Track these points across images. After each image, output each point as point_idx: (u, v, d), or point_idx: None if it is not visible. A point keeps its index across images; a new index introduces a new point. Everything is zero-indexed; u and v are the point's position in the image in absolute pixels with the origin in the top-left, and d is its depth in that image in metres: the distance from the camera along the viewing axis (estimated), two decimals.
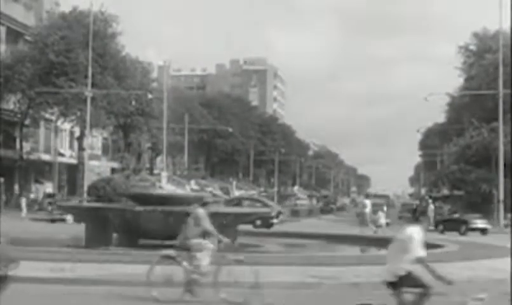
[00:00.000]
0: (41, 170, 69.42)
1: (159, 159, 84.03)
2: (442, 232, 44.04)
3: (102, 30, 59.22)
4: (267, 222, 41.87)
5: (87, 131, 57.78)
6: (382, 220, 41.30)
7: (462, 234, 40.91)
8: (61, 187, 71.01)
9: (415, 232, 9.32)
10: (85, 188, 50.27)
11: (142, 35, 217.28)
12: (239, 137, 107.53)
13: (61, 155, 72.97)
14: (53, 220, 42.26)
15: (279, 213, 50.58)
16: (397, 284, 9.21)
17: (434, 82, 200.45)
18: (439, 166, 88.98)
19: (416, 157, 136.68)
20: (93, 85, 53.96)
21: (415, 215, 10.20)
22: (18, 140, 62.27)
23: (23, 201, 51.90)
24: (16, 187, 61.96)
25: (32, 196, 61.52)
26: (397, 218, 71.12)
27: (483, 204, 53.58)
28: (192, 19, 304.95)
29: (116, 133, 73.85)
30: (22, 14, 64.17)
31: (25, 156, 62.10)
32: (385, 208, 59.52)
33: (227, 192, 75.37)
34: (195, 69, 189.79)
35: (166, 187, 40.07)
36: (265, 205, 49.69)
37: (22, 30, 62.31)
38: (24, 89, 57.33)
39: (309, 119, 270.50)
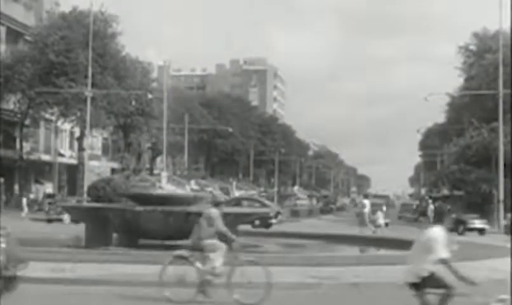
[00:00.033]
0: (41, 170, 69.44)
1: (159, 159, 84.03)
2: None
3: (102, 30, 59.23)
4: (265, 222, 41.95)
5: (87, 131, 57.78)
6: (381, 220, 41.32)
7: (460, 234, 40.91)
8: (61, 188, 71.03)
9: (438, 233, 9.28)
10: (85, 188, 50.25)
11: (142, 35, 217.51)
12: (239, 137, 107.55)
13: (61, 155, 72.99)
14: (49, 220, 42.25)
15: (278, 213, 50.74)
16: (420, 285, 9.20)
17: (434, 82, 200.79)
18: (439, 166, 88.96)
19: (416, 158, 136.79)
20: (93, 85, 53.96)
21: (437, 216, 10.12)
22: (18, 140, 62.28)
23: (24, 201, 51.90)
24: (16, 187, 61.98)
25: (31, 196, 61.52)
26: (397, 219, 71.41)
27: (483, 205, 53.59)
28: (192, 19, 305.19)
29: (116, 133, 73.86)
30: (22, 14, 64.19)
31: (25, 156, 62.11)
32: (384, 208, 59.52)
33: (227, 192, 75.33)
34: (195, 69, 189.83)
35: (166, 187, 40.00)
36: (264, 205, 49.84)
37: (22, 30, 62.32)
38: (24, 89, 57.34)
39: (309, 119, 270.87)
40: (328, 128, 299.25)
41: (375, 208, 42.27)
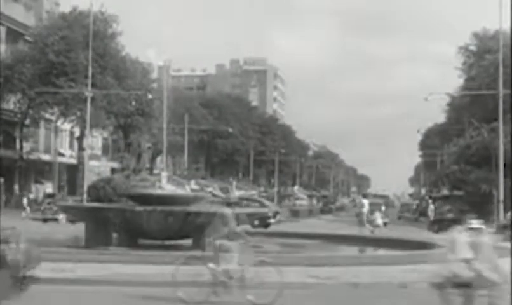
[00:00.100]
0: (41, 170, 69.44)
1: (159, 159, 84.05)
2: (436, 232, 44.08)
3: (102, 30, 59.24)
4: (264, 221, 42.03)
5: (87, 131, 57.77)
6: (379, 220, 41.39)
7: None
8: (61, 187, 71.02)
9: (461, 234, 9.24)
10: (85, 188, 50.26)
11: (142, 35, 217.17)
12: (239, 137, 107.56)
13: (61, 155, 73.00)
14: (45, 220, 42.19)
15: (276, 213, 50.90)
16: (444, 285, 9.17)
17: (434, 82, 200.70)
18: (439, 166, 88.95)
19: (416, 158, 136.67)
20: (93, 85, 53.95)
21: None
22: (18, 140, 62.27)
23: (25, 201, 51.92)
24: (16, 187, 61.98)
25: (31, 196, 61.51)
26: (397, 219, 71.45)
27: (483, 205, 53.54)
28: (192, 19, 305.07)
29: (116, 133, 73.87)
30: (22, 14, 64.20)
31: (25, 156, 62.11)
32: (383, 208, 59.58)
33: (227, 192, 75.35)
34: (195, 69, 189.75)
35: (166, 187, 40.04)
36: (263, 205, 50.09)
37: (22, 30, 62.31)
38: (24, 89, 57.35)
39: (309, 119, 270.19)
40: (328, 128, 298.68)
41: (373, 208, 42.31)
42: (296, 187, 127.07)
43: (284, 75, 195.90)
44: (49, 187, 69.06)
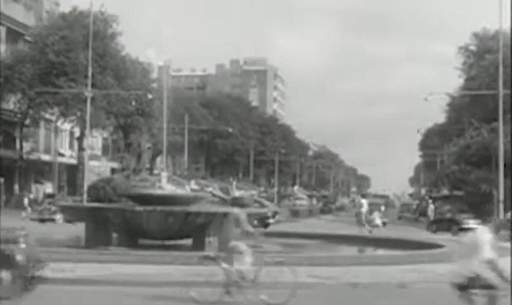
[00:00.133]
0: (41, 170, 69.44)
1: (159, 159, 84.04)
2: (434, 232, 44.12)
3: (102, 30, 59.24)
4: (263, 221, 42.06)
5: (87, 132, 57.77)
6: (378, 220, 41.46)
7: (454, 234, 40.93)
8: (61, 187, 71.02)
9: (485, 234, 9.17)
10: (85, 188, 50.27)
11: (142, 35, 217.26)
12: (239, 137, 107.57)
13: (61, 155, 73.00)
14: (42, 220, 42.16)
15: (275, 213, 50.99)
16: (465, 286, 9.13)
17: (434, 82, 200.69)
18: (439, 166, 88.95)
19: (416, 158, 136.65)
20: (92, 85, 53.95)
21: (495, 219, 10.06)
22: (18, 140, 62.28)
23: (26, 201, 51.90)
24: (16, 187, 61.99)
25: (31, 196, 61.53)
26: (397, 219, 71.47)
27: (483, 205, 53.54)
28: (192, 19, 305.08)
29: (116, 133, 73.88)
30: (22, 14, 64.21)
31: (25, 156, 62.11)
32: (382, 208, 59.61)
33: (227, 192, 75.31)
34: (195, 69, 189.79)
35: (166, 187, 40.03)
36: (262, 205, 50.21)
37: (22, 30, 62.32)
38: (24, 89, 57.36)
39: (309, 119, 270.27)
40: (328, 128, 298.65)
41: (372, 208, 42.36)
42: (296, 187, 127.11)
43: (284, 75, 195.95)
44: (49, 187, 69.07)
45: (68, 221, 36.97)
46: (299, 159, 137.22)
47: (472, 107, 64.94)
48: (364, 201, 40.36)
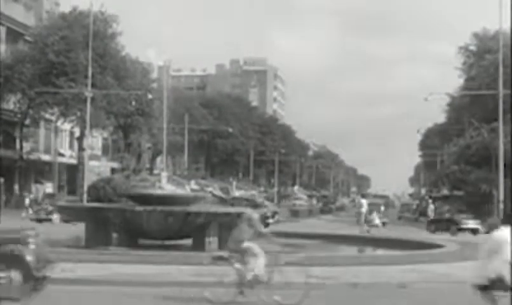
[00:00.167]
0: (41, 170, 69.42)
1: (159, 159, 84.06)
2: (433, 232, 44.13)
3: (102, 30, 59.23)
4: (262, 221, 42.10)
5: (87, 132, 57.77)
6: (377, 220, 41.57)
7: (453, 234, 40.94)
8: (61, 187, 71.01)
9: (507, 235, 9.09)
10: (85, 188, 50.29)
11: (142, 35, 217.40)
12: (239, 137, 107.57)
13: (61, 155, 72.99)
14: (39, 220, 42.18)
15: (275, 213, 51.07)
16: (488, 287, 9.03)
17: (434, 82, 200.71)
18: (439, 166, 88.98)
19: (416, 158, 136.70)
20: (92, 85, 53.96)
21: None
22: (18, 140, 62.27)
23: (28, 201, 51.88)
24: (16, 187, 61.98)
25: (31, 196, 61.53)
26: (397, 219, 71.47)
27: (483, 205, 53.60)
28: (192, 19, 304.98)
29: (116, 133, 73.87)
30: (22, 14, 64.20)
31: (25, 156, 62.10)
32: (382, 208, 59.63)
33: (227, 192, 75.40)
34: (195, 69, 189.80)
35: (166, 187, 40.11)
36: (261, 205, 50.31)
37: (22, 30, 62.31)
38: (24, 89, 57.35)
39: (309, 119, 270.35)
40: (328, 128, 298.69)
41: (371, 208, 42.45)
42: (296, 187, 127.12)
43: (284, 76, 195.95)
44: (49, 187, 69.04)
45: (66, 221, 36.95)
46: (299, 159, 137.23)
47: (472, 107, 64.94)
48: (364, 201, 40.45)
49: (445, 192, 71.00)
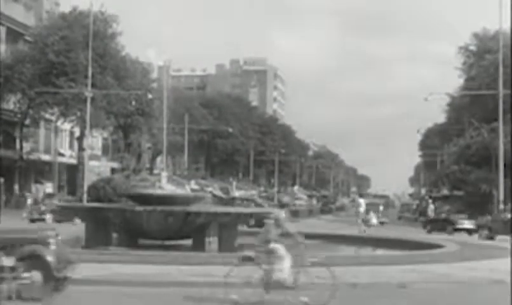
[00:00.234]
0: (41, 170, 69.41)
1: (159, 159, 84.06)
2: (429, 232, 44.15)
3: (102, 30, 59.23)
4: (260, 221, 42.12)
5: (87, 132, 57.79)
6: (374, 220, 41.67)
7: (449, 234, 40.98)
8: (61, 187, 71.00)
9: None
10: (85, 188, 50.30)
11: (142, 35, 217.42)
12: (239, 137, 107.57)
13: (61, 155, 72.99)
14: (32, 220, 42.13)
15: None
16: None
17: (434, 82, 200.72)
18: (439, 166, 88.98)
19: (416, 158, 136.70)
20: (92, 85, 53.97)
21: None
22: (18, 140, 62.26)
23: (29, 201, 51.84)
24: (16, 187, 61.97)
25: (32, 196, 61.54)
26: (397, 219, 71.45)
27: (483, 205, 53.57)
28: (192, 19, 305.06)
29: (116, 133, 73.87)
30: (22, 14, 64.19)
31: (25, 156, 62.09)
32: (381, 208, 59.64)
33: (227, 192, 75.38)
34: (195, 69, 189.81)
35: (166, 187, 40.06)
36: (259, 205, 50.48)
37: (22, 30, 62.31)
38: (24, 89, 57.34)
39: (309, 119, 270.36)
40: (328, 128, 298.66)
41: (369, 208, 42.55)
42: (296, 187, 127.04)
43: (284, 75, 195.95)
44: (49, 187, 68.99)
45: (58, 221, 36.90)
46: (299, 159, 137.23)
47: (472, 107, 64.95)
48: (362, 201, 40.59)
49: (445, 192, 70.98)
